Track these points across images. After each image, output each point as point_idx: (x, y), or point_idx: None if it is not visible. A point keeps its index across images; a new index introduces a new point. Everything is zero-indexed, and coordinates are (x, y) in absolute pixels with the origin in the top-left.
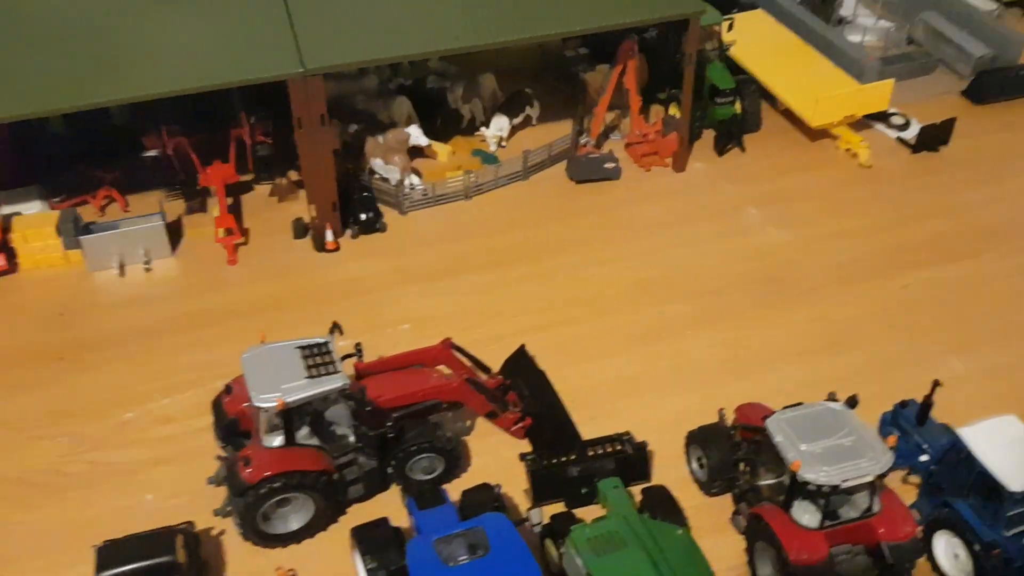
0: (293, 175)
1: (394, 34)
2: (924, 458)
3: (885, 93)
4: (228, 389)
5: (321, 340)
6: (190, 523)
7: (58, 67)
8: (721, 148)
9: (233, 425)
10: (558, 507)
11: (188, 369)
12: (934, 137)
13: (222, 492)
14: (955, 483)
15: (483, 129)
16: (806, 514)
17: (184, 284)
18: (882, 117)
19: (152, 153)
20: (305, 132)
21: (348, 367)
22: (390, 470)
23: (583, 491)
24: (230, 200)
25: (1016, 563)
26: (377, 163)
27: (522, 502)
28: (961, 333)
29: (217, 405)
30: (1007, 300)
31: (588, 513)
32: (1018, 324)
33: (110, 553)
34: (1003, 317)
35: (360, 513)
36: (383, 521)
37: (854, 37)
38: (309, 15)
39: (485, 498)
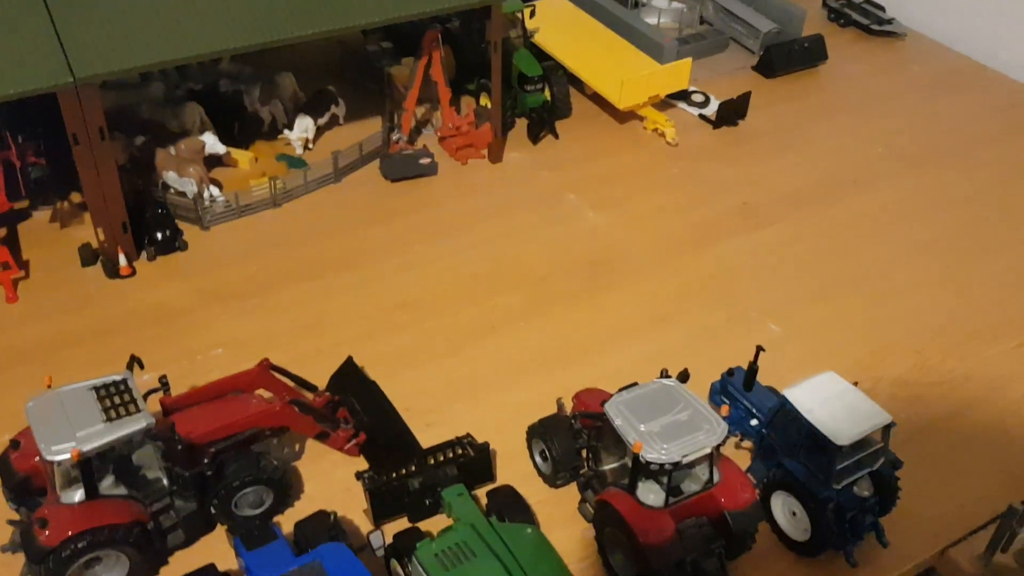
0: (76, 197)
1: (176, 34)
2: (754, 422)
3: (684, 72)
4: (15, 444)
5: (118, 377)
6: None
7: None
8: (535, 136)
9: (25, 483)
10: (403, 523)
11: None
12: (732, 112)
13: (21, 559)
14: (786, 443)
15: (286, 132)
16: (651, 494)
17: None
18: (683, 96)
19: None
20: (83, 149)
21: (154, 404)
22: (213, 510)
23: (427, 503)
24: (4, 231)
25: (849, 513)
26: (171, 176)
27: (364, 524)
28: (774, 296)
29: (3, 463)
30: (813, 261)
31: (435, 524)
32: (826, 282)
33: None
34: (812, 278)
35: (185, 560)
36: (209, 568)
37: (650, 19)
38: (76, 18)
39: (320, 527)
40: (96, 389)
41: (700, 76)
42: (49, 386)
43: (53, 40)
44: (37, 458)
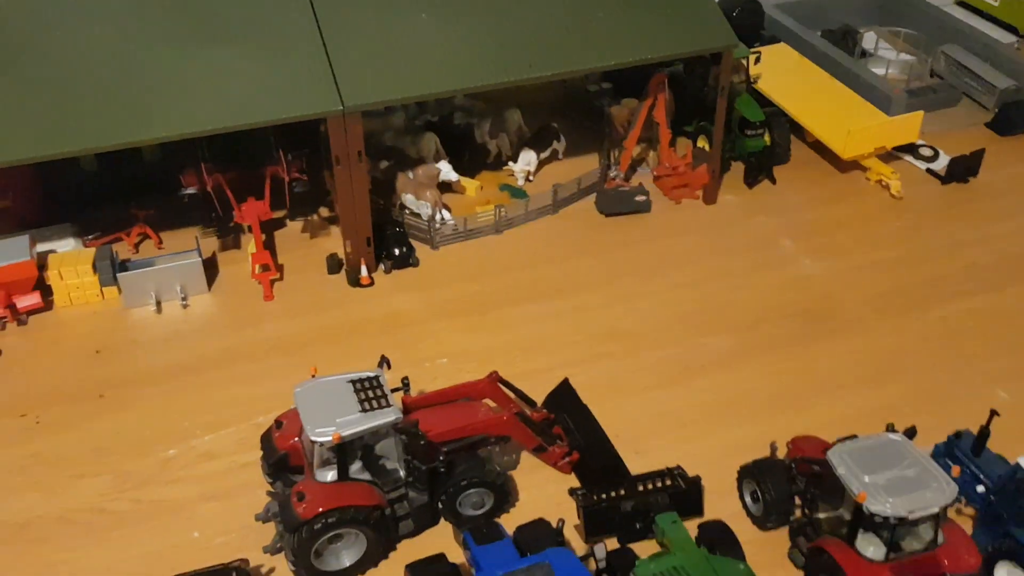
0: (324, 211)
1: (426, 72)
2: (981, 489)
3: (915, 125)
4: (278, 424)
5: (371, 374)
6: (244, 560)
7: (91, 107)
8: (752, 180)
9: (283, 460)
10: (611, 544)
11: (229, 405)
12: (964, 168)
13: (270, 529)
14: (1015, 512)
15: (510, 164)
16: (870, 547)
17: (222, 320)
18: (910, 149)
19: (190, 190)
20: (343, 169)
21: (396, 401)
22: (440, 505)
23: (637, 526)
24: (264, 236)
25: None
26: (408, 198)
27: (572, 538)
28: (1004, 363)
29: (267, 440)
30: None
31: (641, 549)
32: None
33: None
34: None
35: (410, 549)
36: (440, 557)
37: (877, 70)
38: (345, 52)
39: (542, 533)
40: (353, 382)
41: (928, 130)
42: (314, 375)
43: (327, 73)
44: (296, 438)
